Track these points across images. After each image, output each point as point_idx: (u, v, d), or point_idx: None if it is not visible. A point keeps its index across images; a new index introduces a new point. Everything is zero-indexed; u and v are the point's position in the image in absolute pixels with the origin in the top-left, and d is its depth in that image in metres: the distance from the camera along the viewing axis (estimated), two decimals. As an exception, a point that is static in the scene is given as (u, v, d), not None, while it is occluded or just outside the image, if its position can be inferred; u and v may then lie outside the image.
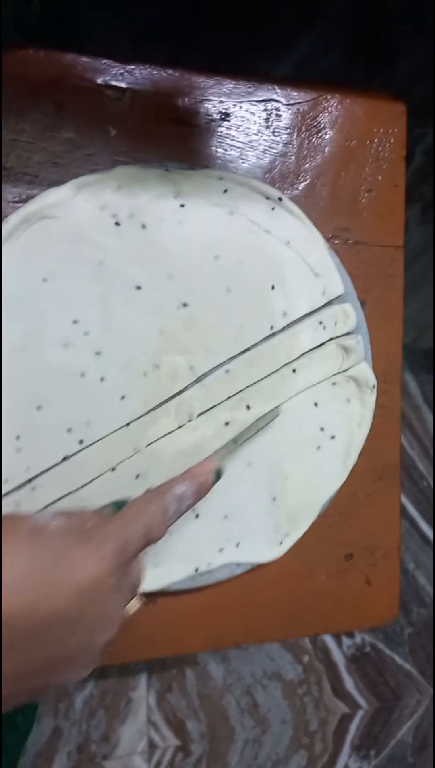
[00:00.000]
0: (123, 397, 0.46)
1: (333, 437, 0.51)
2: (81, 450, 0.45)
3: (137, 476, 0.47)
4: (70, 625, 0.29)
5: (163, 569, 0.48)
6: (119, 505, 0.36)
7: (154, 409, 0.47)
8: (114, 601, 0.32)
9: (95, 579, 0.30)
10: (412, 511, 1.56)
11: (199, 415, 0.48)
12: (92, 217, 0.44)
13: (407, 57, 0.69)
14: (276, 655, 1.43)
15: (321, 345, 0.50)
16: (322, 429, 0.51)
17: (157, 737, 1.32)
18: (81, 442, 0.45)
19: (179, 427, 0.48)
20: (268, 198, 0.48)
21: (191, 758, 1.33)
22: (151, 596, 0.50)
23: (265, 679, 1.41)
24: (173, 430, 0.47)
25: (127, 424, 0.46)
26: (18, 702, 0.29)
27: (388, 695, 1.48)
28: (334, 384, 0.50)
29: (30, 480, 0.45)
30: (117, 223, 0.44)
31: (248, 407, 0.49)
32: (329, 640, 1.45)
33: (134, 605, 0.36)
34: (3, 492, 0.44)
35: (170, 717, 1.34)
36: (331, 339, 0.50)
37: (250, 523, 0.50)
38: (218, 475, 0.42)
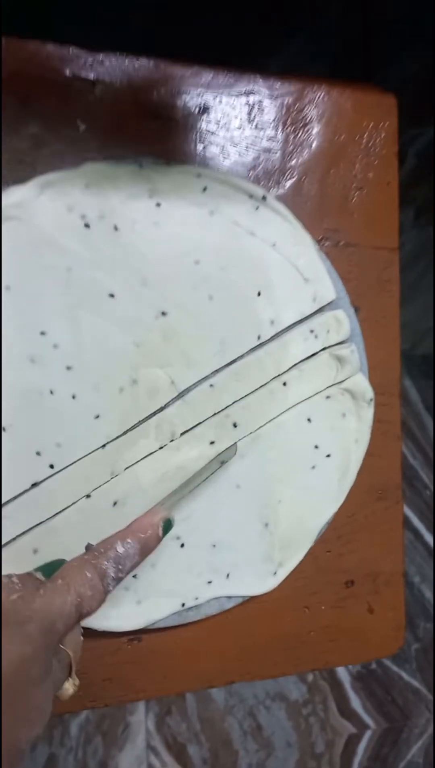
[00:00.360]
0: (97, 416, 0.42)
1: (328, 456, 0.47)
2: (52, 475, 0.41)
3: (115, 503, 0.43)
4: None
5: (146, 605, 0.43)
6: (51, 568, 0.31)
7: (132, 428, 0.43)
8: (41, 691, 0.27)
9: (18, 668, 0.25)
10: (416, 522, 1.52)
11: (182, 434, 0.44)
12: (59, 219, 0.40)
13: (397, 62, 0.65)
14: (279, 675, 1.38)
15: (313, 355, 0.46)
16: (316, 447, 0.46)
17: (157, 763, 1.27)
18: (51, 466, 0.41)
19: (160, 447, 0.43)
20: (251, 197, 0.44)
21: (193, 785, 1.28)
22: (134, 634, 0.46)
23: (268, 700, 1.37)
24: (154, 452, 0.43)
25: (103, 446, 0.42)
26: None
27: (396, 714, 1.43)
28: (327, 398, 0.46)
29: (-5, 510, 0.41)
30: (86, 225, 0.41)
31: (235, 425, 0.45)
32: (334, 658, 1.40)
33: (68, 690, 0.31)
34: (-35, 523, 0.40)
35: (170, 742, 1.29)
36: (324, 349, 0.46)
37: (240, 553, 0.45)
38: (167, 527, 0.37)
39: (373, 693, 1.43)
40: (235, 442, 0.44)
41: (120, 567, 0.33)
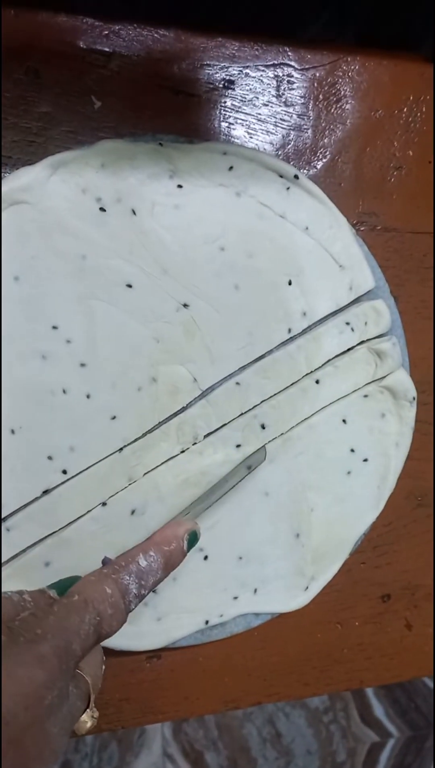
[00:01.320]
0: (114, 417, 0.38)
1: (365, 460, 0.43)
2: (65, 482, 0.38)
3: (133, 512, 0.39)
4: None
5: (167, 623, 0.40)
6: (65, 585, 0.28)
7: (151, 430, 0.39)
8: (55, 723, 0.24)
9: (29, 695, 0.22)
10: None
11: (206, 436, 0.40)
12: (72, 202, 0.37)
13: (428, 38, 0.61)
14: (299, 682, 1.34)
15: (349, 350, 0.42)
16: (352, 451, 0.43)
17: (173, 770, 1.24)
18: (65, 472, 0.38)
19: (182, 451, 0.40)
20: (281, 176, 0.40)
21: (211, 793, 1.25)
22: (153, 651, 0.42)
23: (288, 707, 1.33)
24: (175, 456, 0.40)
25: (120, 450, 0.39)
26: None
27: (420, 722, 1.38)
28: (365, 396, 0.42)
29: (4, 519, 0.37)
30: (102, 209, 0.37)
31: (263, 426, 0.41)
32: (356, 665, 1.36)
33: (85, 723, 0.27)
34: (-28, 534, 0.37)
35: (187, 749, 1.26)
36: (361, 342, 0.42)
37: (268, 566, 0.42)
38: (193, 540, 0.34)
39: (397, 700, 1.38)
40: (264, 446, 0.41)
41: (143, 583, 0.30)
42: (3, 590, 0.37)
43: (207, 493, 0.38)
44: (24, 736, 0.22)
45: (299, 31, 0.54)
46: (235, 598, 0.41)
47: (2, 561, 0.37)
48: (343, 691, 1.36)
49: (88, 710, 0.27)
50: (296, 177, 0.40)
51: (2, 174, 0.39)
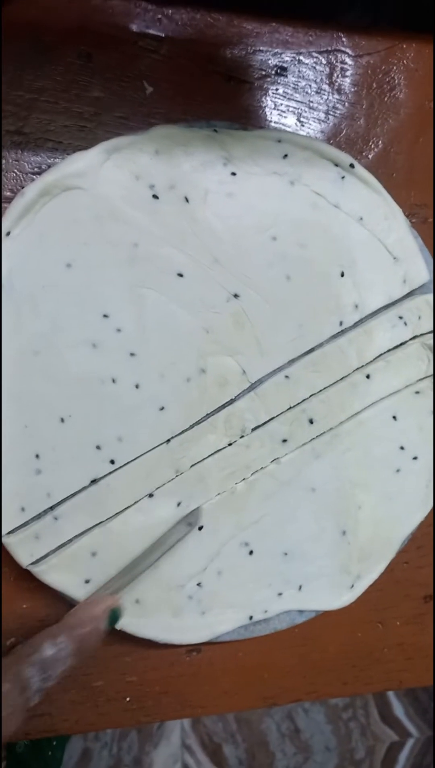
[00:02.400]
0: (162, 408, 0.38)
1: (415, 458, 0.42)
2: (112, 471, 0.38)
3: (178, 504, 0.39)
4: None
5: (211, 617, 0.40)
6: None
7: (199, 422, 0.39)
8: None
9: None
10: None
11: (253, 429, 0.39)
12: (125, 189, 0.36)
13: None
14: (319, 678, 1.33)
15: (401, 345, 0.41)
16: (401, 448, 0.42)
17: (192, 762, 1.25)
18: (112, 461, 0.37)
19: (229, 444, 0.39)
20: (336, 165, 0.39)
21: (228, 785, 1.25)
22: (193, 645, 0.42)
23: (308, 702, 1.32)
24: (222, 448, 0.39)
25: (167, 441, 0.38)
26: None
27: (440, 723, 1.37)
28: (417, 393, 0.41)
29: (52, 508, 0.37)
30: (154, 196, 0.36)
31: (311, 421, 0.40)
32: (376, 663, 1.35)
33: None
34: (20, 522, 0.37)
35: (206, 741, 1.26)
36: (414, 337, 0.41)
37: (314, 563, 0.41)
38: (114, 618, 0.31)
39: (417, 699, 1.37)
40: (200, 506, 0.39)
41: (48, 674, 0.27)
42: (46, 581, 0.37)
43: (131, 566, 0.37)
44: None
45: (337, 15, 0.53)
46: (280, 594, 0.40)
47: (51, 550, 0.37)
48: (384, 691, 1.35)
49: None
50: (352, 166, 0.39)
51: (54, 161, 0.39)
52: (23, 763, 0.56)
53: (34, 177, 0.38)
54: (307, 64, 0.43)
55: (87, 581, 0.38)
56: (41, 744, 0.61)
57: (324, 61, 0.43)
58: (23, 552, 0.37)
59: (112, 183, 0.36)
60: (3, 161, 0.38)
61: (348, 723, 1.33)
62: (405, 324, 0.40)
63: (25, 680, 0.26)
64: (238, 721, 1.29)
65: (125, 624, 0.38)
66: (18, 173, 0.39)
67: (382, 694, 1.36)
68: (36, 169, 0.39)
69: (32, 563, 0.37)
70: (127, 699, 0.43)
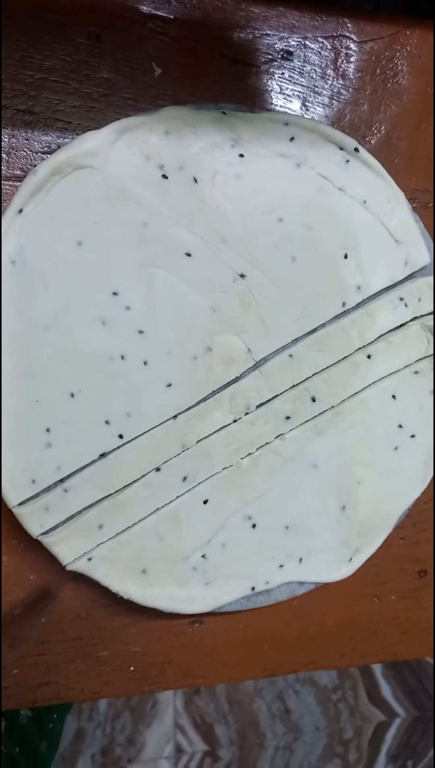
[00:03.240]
0: (169, 385, 0.39)
1: (413, 436, 0.43)
2: (121, 446, 0.39)
3: (184, 478, 0.40)
4: None
5: (215, 588, 0.41)
6: None
7: (205, 399, 0.40)
8: None
9: None
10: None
11: (258, 406, 0.41)
12: (135, 169, 0.37)
13: None
14: (309, 660, 1.36)
15: (402, 326, 0.42)
16: (400, 426, 0.43)
17: (184, 742, 1.27)
18: (121, 436, 0.38)
19: (234, 421, 0.40)
20: (341, 149, 0.40)
21: (220, 764, 1.28)
22: (196, 616, 0.43)
23: (298, 684, 1.35)
24: (227, 425, 0.40)
25: (174, 417, 0.39)
26: None
27: (426, 703, 1.40)
28: (416, 373, 0.43)
29: (62, 480, 0.38)
30: (164, 176, 0.37)
31: (314, 399, 0.41)
32: (366, 645, 1.38)
33: None
34: (31, 494, 0.38)
35: (198, 721, 1.29)
36: (414, 318, 0.42)
37: (315, 536, 0.42)
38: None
39: (405, 681, 1.40)
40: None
41: None
42: (55, 552, 0.38)
43: None
44: None
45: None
46: (281, 566, 0.42)
47: (60, 521, 0.38)
48: (361, 667, 1.37)
49: None
50: (356, 150, 0.40)
51: (64, 141, 0.39)
52: (25, 735, 0.57)
53: (44, 156, 0.39)
54: (312, 48, 0.43)
55: (89, 559, 0.39)
56: (42, 717, 0.63)
57: (329, 47, 0.44)
58: (34, 523, 0.38)
59: (123, 163, 0.37)
60: (14, 140, 0.39)
61: (337, 704, 1.36)
62: (406, 305, 0.42)
63: None
64: (229, 702, 1.31)
65: (132, 594, 0.39)
66: (28, 152, 0.39)
67: (370, 675, 1.38)
68: (46, 149, 0.39)
69: (42, 533, 0.38)
70: (132, 668, 0.44)
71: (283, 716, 1.33)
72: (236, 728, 1.30)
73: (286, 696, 1.34)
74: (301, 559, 0.42)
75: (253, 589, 0.41)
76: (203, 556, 0.40)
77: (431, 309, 0.42)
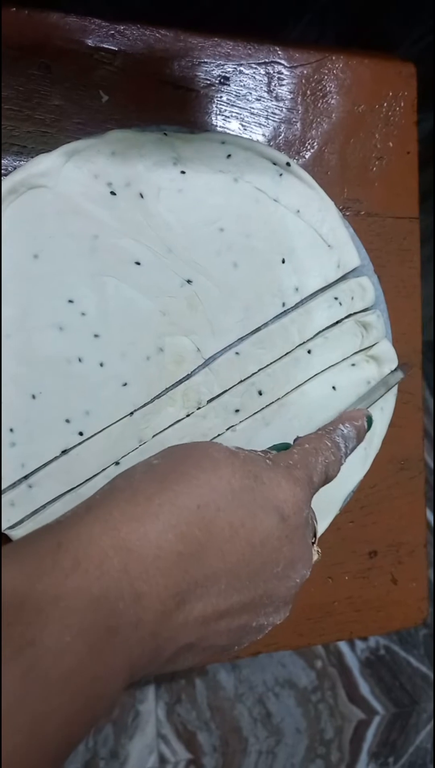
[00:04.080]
0: (125, 384, 0.42)
1: (354, 423, 0.47)
2: (81, 442, 0.41)
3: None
4: (275, 553, 0.27)
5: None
6: (281, 447, 0.35)
7: (159, 396, 0.43)
8: (307, 535, 0.29)
9: (293, 503, 0.28)
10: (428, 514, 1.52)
11: (209, 401, 0.44)
12: (85, 187, 0.40)
13: (404, 42, 0.65)
14: (288, 662, 1.38)
15: (338, 322, 0.46)
16: (341, 414, 0.47)
17: (167, 751, 1.27)
18: (81, 433, 0.41)
19: (187, 415, 0.43)
20: (275, 163, 0.44)
21: (204, 773, 1.28)
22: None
23: (278, 687, 1.37)
24: (181, 419, 0.43)
25: (131, 414, 0.42)
26: (229, 648, 0.27)
27: (404, 699, 1.43)
28: (353, 365, 0.46)
29: (26, 477, 0.41)
30: (112, 193, 0.41)
31: (260, 393, 0.45)
32: (342, 644, 1.41)
33: (314, 555, 0.32)
34: (-4, 492, 0.40)
35: (181, 730, 1.29)
36: (349, 315, 0.46)
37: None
38: (370, 422, 0.40)
39: (382, 679, 1.43)
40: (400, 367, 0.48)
41: (347, 444, 0.36)
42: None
43: (362, 398, 0.46)
44: (294, 536, 0.27)
45: (283, 30, 0.59)
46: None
47: (26, 515, 0.41)
48: (339, 666, 1.40)
49: (314, 545, 0.32)
50: (288, 164, 0.44)
51: (20, 164, 0.42)
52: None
53: (3, 179, 0.42)
54: (247, 74, 0.48)
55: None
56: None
57: (262, 72, 0.48)
58: (1, 518, 0.40)
59: (73, 181, 0.40)
60: (-28, 163, 0.42)
61: (317, 705, 1.38)
62: (340, 304, 0.45)
63: (336, 444, 0.35)
64: (211, 709, 1.32)
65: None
66: (-14, 175, 0.42)
67: (348, 674, 1.41)
68: (3, 172, 0.42)
69: (9, 527, 0.40)
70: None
71: (264, 720, 1.35)
72: (219, 734, 1.31)
73: (266, 700, 1.36)
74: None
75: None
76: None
77: (363, 306, 0.46)
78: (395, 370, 0.48)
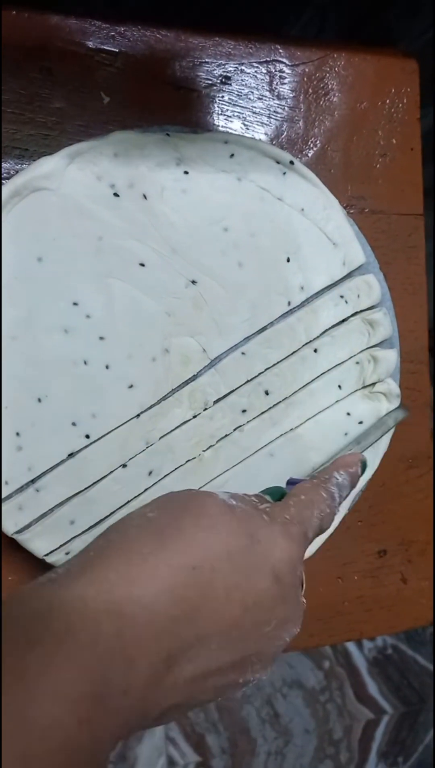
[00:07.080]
0: (131, 386, 0.42)
1: (361, 422, 0.46)
2: (88, 445, 0.41)
3: (150, 473, 0.42)
4: (267, 613, 0.27)
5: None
6: (275, 492, 0.34)
7: (165, 397, 0.43)
8: (300, 591, 0.29)
9: (288, 562, 0.27)
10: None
11: (215, 402, 0.44)
12: (88, 188, 0.40)
13: (405, 37, 0.65)
14: (295, 662, 1.38)
15: (344, 321, 0.46)
16: (348, 414, 0.46)
17: (176, 754, 1.27)
18: (87, 436, 0.41)
19: (194, 416, 0.43)
20: (278, 162, 0.44)
21: (213, 774, 1.28)
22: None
23: (286, 687, 1.37)
24: (188, 420, 0.43)
25: (137, 416, 0.42)
26: (212, 701, 0.27)
27: (413, 698, 1.43)
28: (357, 363, 0.46)
29: (33, 481, 0.41)
30: (116, 194, 0.40)
31: (267, 392, 0.44)
32: (350, 644, 1.40)
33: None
34: (4, 495, 0.40)
35: (189, 732, 1.29)
36: (355, 313, 0.46)
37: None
38: (364, 467, 0.39)
39: (390, 678, 1.43)
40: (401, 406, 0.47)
41: (341, 494, 0.35)
42: (30, 548, 0.41)
43: (358, 439, 0.45)
44: (287, 595, 0.28)
45: (284, 27, 0.58)
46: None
47: (34, 519, 0.40)
48: (347, 667, 1.39)
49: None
50: (292, 163, 0.44)
51: (22, 167, 0.42)
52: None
53: (4, 182, 0.42)
54: (248, 73, 0.47)
55: (67, 553, 0.41)
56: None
57: (264, 71, 0.48)
58: (8, 522, 0.40)
59: (76, 183, 0.40)
60: (-26, 166, 0.42)
61: (325, 705, 1.38)
62: (346, 302, 0.45)
63: (331, 494, 0.34)
64: (219, 710, 1.32)
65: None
66: (-12, 178, 0.42)
67: (356, 673, 1.41)
68: (5, 174, 0.42)
69: (16, 532, 0.40)
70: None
71: (272, 721, 1.35)
72: (227, 736, 1.31)
73: (274, 700, 1.35)
74: (264, 543, 0.45)
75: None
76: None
77: (369, 304, 0.46)
78: (393, 410, 0.47)
